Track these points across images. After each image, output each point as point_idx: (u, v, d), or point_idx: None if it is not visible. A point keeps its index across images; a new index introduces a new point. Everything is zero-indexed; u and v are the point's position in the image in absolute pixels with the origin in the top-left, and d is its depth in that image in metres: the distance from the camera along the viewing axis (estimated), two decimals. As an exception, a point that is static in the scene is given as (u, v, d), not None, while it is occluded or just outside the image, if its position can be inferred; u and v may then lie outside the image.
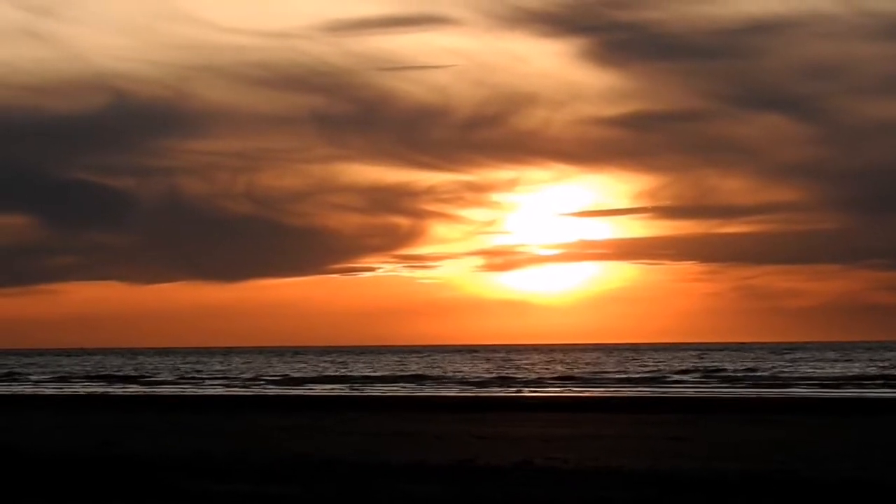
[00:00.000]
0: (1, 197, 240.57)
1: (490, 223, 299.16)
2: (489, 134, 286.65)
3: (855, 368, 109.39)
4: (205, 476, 24.09)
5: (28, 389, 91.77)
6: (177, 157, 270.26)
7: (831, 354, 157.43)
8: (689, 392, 77.68)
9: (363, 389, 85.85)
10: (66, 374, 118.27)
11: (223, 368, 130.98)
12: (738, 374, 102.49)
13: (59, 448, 31.29)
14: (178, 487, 22.17)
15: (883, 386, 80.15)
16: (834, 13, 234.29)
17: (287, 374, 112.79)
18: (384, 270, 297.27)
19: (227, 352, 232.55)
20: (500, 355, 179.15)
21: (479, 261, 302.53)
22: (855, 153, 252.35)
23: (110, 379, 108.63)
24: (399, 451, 30.15)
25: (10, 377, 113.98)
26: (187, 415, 53.31)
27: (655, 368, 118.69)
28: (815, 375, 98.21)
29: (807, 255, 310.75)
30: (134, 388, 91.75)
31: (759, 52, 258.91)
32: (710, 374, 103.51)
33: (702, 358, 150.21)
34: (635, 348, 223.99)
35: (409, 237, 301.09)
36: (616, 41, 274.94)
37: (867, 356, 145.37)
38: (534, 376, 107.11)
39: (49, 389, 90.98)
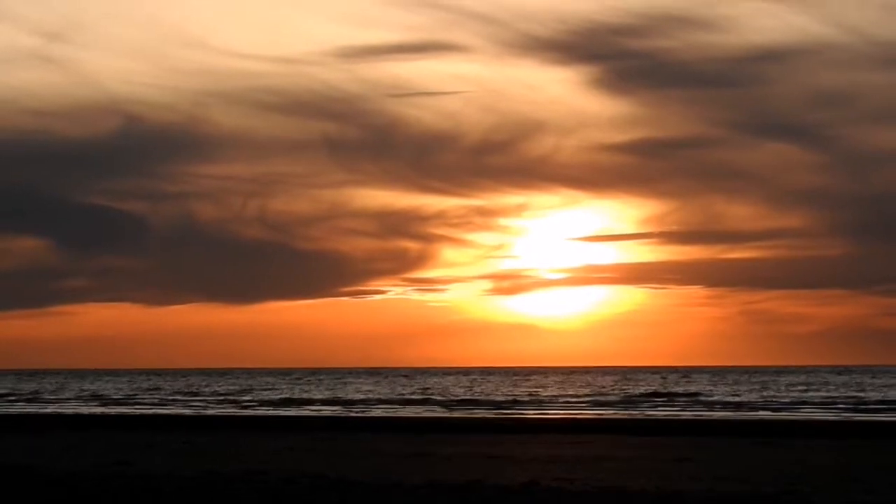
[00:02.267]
0: (16, 220, 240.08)
1: (498, 247, 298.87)
2: (498, 160, 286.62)
3: (862, 393, 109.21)
4: (216, 496, 24.15)
5: (46, 409, 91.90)
6: (190, 182, 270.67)
7: (838, 378, 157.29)
8: (695, 415, 77.60)
9: (374, 411, 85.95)
10: (85, 395, 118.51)
11: (234, 388, 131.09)
12: (745, 399, 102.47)
13: (74, 467, 31.35)
14: None
15: (888, 410, 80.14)
16: (840, 42, 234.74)
17: (299, 395, 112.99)
18: (394, 293, 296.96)
19: (240, 372, 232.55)
20: (504, 377, 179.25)
21: (488, 284, 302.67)
22: (861, 180, 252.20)
23: (120, 399, 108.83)
24: (411, 471, 30.16)
25: (32, 396, 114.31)
26: (193, 431, 53.45)
27: (663, 390, 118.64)
28: (822, 399, 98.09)
29: (813, 280, 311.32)
30: (144, 409, 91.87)
31: (765, 80, 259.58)
32: (714, 398, 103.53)
33: (713, 380, 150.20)
34: (642, 371, 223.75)
35: (418, 261, 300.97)
36: (624, 69, 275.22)
37: (874, 380, 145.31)
38: (541, 398, 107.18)
39: (67, 409, 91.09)
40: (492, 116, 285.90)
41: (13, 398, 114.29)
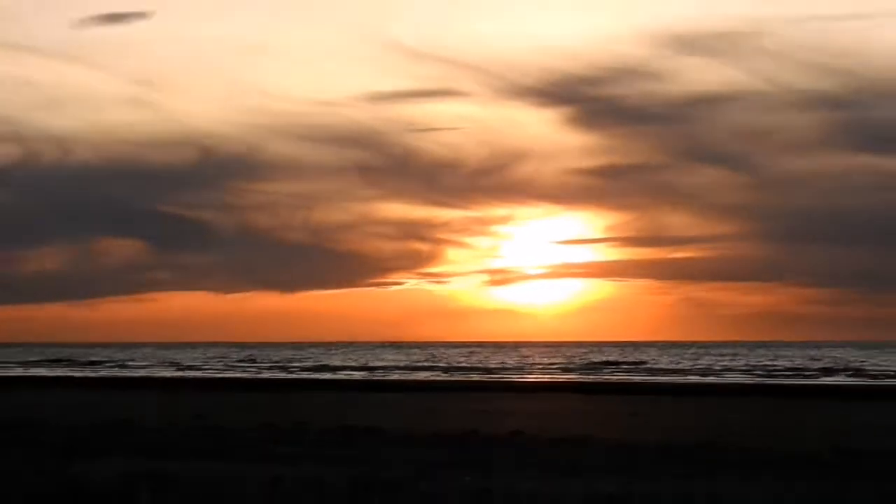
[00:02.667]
0: (117, 226, 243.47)
1: (491, 249, 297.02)
2: (491, 180, 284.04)
3: (775, 362, 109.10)
4: (271, 443, 24.23)
5: (139, 373, 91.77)
6: (249, 197, 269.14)
7: (757, 351, 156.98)
8: (645, 379, 77.59)
9: (392, 375, 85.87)
10: (166, 362, 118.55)
11: (284, 357, 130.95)
12: (684, 366, 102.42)
13: (163, 420, 31.41)
14: (251, 450, 22.30)
15: (795, 376, 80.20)
16: (759, 89, 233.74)
17: (334, 363, 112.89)
18: (409, 285, 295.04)
19: (288, 345, 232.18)
20: (495, 350, 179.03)
21: (483, 278, 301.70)
22: (776, 197, 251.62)
23: (195, 366, 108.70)
24: (422, 422, 30.15)
25: (121, 365, 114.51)
26: (252, 391, 53.46)
27: (621, 359, 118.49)
28: (744, 367, 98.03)
29: (739, 274, 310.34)
30: (213, 374, 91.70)
31: (700, 119, 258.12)
32: (660, 366, 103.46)
33: (659, 352, 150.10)
34: (605, 345, 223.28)
35: (428, 259, 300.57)
36: (591, 110, 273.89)
37: (784, 352, 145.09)
38: (524, 366, 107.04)
39: (155, 374, 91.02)
40: (486, 147, 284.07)
41: (113, 364, 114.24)
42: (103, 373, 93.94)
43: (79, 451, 20.95)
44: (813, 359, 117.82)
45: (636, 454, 21.73)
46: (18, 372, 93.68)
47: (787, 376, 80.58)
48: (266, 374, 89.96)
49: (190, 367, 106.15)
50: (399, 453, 21.50)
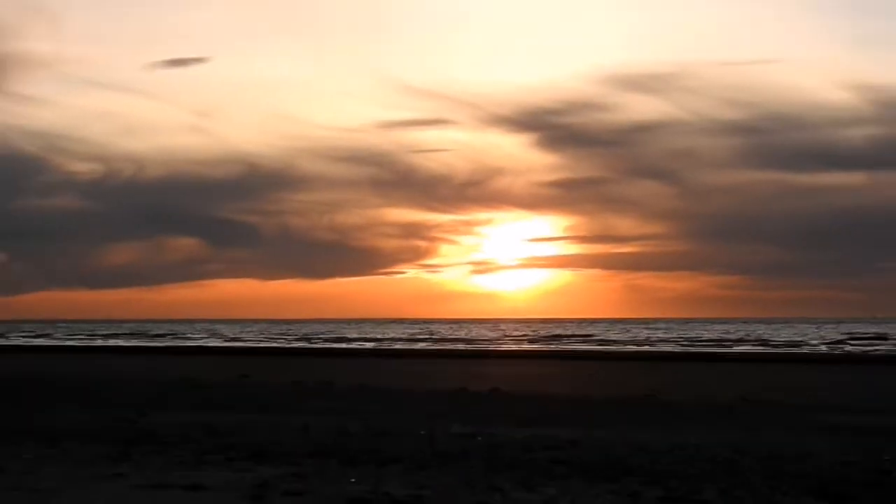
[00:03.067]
0: (181, 227, 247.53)
1: (475, 246, 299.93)
2: (475, 191, 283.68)
3: (698, 334, 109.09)
4: (302, 398, 24.25)
5: (195, 343, 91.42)
6: (285, 204, 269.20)
7: (685, 325, 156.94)
8: (596, 348, 77.48)
9: (396, 345, 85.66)
10: (217, 334, 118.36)
11: (313, 331, 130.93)
12: (627, 338, 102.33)
13: (215, 379, 31.44)
14: (285, 403, 22.25)
15: (714, 345, 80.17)
16: (685, 119, 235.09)
17: (351, 335, 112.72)
18: (410, 273, 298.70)
19: (316, 321, 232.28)
20: (478, 325, 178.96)
21: (469, 268, 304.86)
22: (697, 205, 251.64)
23: (240, 338, 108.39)
24: (421, 382, 30.21)
25: (174, 335, 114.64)
26: (286, 357, 53.52)
27: (578, 332, 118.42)
28: (675, 338, 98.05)
29: (669, 265, 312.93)
30: (256, 344, 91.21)
31: (639, 142, 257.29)
32: (610, 338, 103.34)
33: (608, 327, 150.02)
34: (565, 321, 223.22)
35: (425, 254, 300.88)
36: (553, 136, 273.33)
37: (707, 326, 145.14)
38: (500, 337, 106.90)
39: (209, 343, 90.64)
40: (471, 164, 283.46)
41: (175, 336, 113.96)
42: (168, 343, 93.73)
43: (150, 404, 20.97)
44: (727, 332, 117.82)
45: (591, 407, 21.79)
46: (101, 343, 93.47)
47: (708, 345, 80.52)
48: (295, 344, 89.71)
49: (236, 339, 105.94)
50: (404, 407, 21.53)
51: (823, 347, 74.88)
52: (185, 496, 9.98)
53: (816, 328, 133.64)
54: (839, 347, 74.43)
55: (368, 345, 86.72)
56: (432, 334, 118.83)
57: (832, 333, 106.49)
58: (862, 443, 14.66)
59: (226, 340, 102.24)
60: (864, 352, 66.15)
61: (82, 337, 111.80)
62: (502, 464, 12.16)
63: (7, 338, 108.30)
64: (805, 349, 71.70)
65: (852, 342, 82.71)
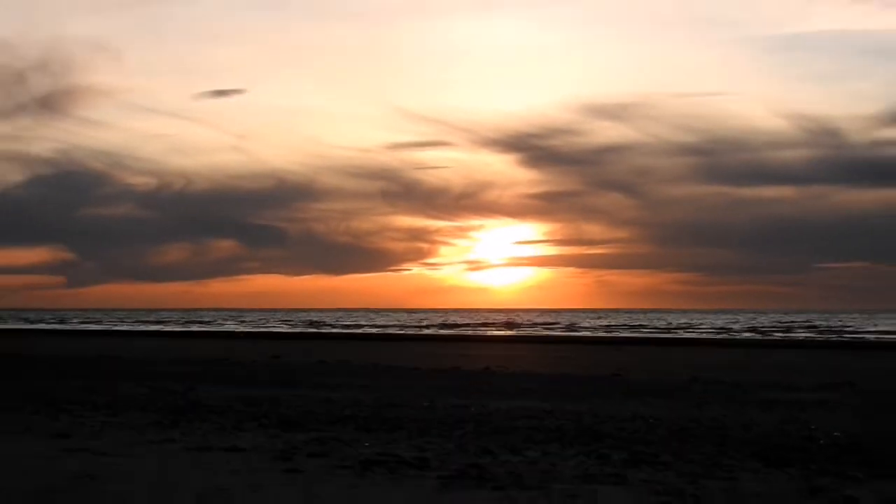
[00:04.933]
0: (221, 231, 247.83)
1: (469, 247, 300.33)
2: (469, 202, 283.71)
3: (656, 323, 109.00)
4: (325, 373, 24.27)
5: (232, 329, 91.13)
6: (309, 212, 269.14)
7: (646, 315, 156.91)
8: (570, 334, 77.39)
9: (404, 331, 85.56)
10: (251, 322, 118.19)
11: (333, 317, 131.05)
12: (596, 325, 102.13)
13: (250, 357, 31.44)
14: (310, 379, 22.20)
15: (668, 331, 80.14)
16: (647, 141, 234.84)
17: (363, 322, 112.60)
18: (414, 270, 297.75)
19: (335, 311, 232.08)
20: (471, 314, 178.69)
21: (464, 266, 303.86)
22: (657, 214, 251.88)
23: (268, 326, 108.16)
24: (423, 361, 30.21)
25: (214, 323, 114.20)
26: (311, 341, 53.52)
27: (553, 321, 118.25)
28: (637, 325, 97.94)
29: (632, 264, 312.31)
30: (281, 329, 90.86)
31: (607, 161, 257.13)
32: (582, 325, 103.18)
33: (579, 316, 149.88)
34: (546, 311, 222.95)
35: (427, 254, 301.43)
36: (535, 155, 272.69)
37: (664, 316, 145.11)
38: (490, 325, 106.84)
39: (245, 329, 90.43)
40: (465, 179, 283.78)
41: (216, 322, 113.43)
42: (210, 329, 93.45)
43: (195, 380, 20.99)
44: (681, 320, 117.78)
45: (566, 383, 21.81)
46: (154, 328, 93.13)
47: (664, 332, 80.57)
48: (316, 329, 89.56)
49: (268, 326, 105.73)
50: (410, 383, 21.56)
51: (761, 333, 74.86)
52: (224, 457, 9.99)
53: (755, 317, 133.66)
54: (775, 333, 74.43)
55: (379, 330, 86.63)
56: (432, 322, 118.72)
57: (769, 321, 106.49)
58: (793, 415, 14.68)
59: (259, 327, 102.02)
60: (794, 337, 66.13)
61: (138, 323, 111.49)
62: (490, 430, 12.18)
63: (74, 323, 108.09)
64: (747, 335, 71.66)
65: (785, 329, 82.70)
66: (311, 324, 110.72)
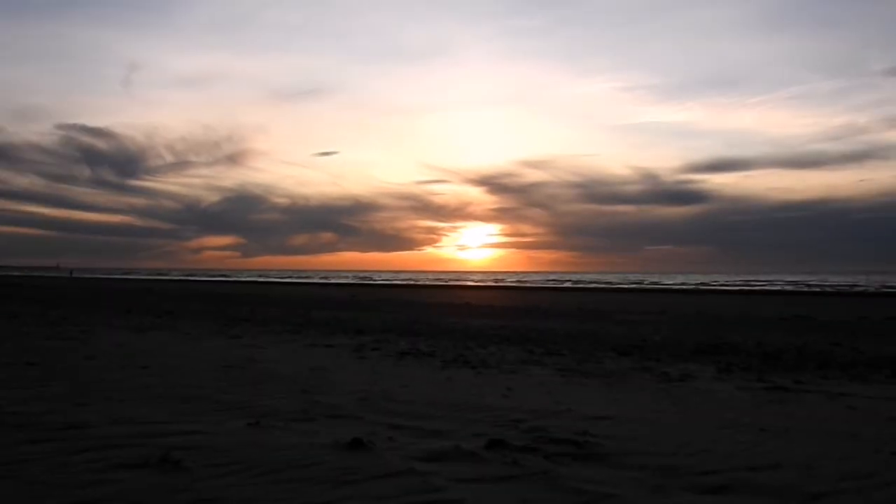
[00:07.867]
0: (325, 228, 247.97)
1: (458, 237, 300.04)
2: (459, 213, 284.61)
3: (560, 280, 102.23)
4: (379, 306, 22.86)
5: (329, 282, 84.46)
6: (371, 219, 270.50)
7: (554, 276, 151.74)
8: (515, 285, 73.64)
9: (423, 282, 79.75)
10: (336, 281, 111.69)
11: (383, 277, 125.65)
12: (534, 280, 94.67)
13: (338, 296, 30.25)
14: (372, 309, 21.61)
15: (569, 284, 75.73)
16: (555, 181, 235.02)
17: (407, 280, 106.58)
18: (428, 251, 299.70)
19: (384, 272, 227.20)
20: (459, 276, 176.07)
21: (454, 248, 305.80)
22: (561, 220, 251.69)
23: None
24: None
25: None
26: (373, 288, 51.52)
27: (505, 280, 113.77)
28: (549, 281, 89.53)
29: (546, 247, 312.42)
30: (359, 281, 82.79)
31: (537, 191, 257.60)
32: (521, 281, 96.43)
33: (516, 277, 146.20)
34: (503, 273, 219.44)
35: (436, 241, 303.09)
36: (496, 187, 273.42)
37: (564, 277, 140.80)
38: (472, 280, 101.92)
39: (337, 282, 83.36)
40: (457, 200, 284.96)
41: (322, 277, 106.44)
42: (316, 280, 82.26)
43: (310, 307, 20.48)
44: (574, 278, 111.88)
45: (513, 312, 21.25)
46: (289, 279, 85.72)
47: (564, 283, 75.41)
48: (375, 282, 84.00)
49: (349, 280, 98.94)
50: (425, 311, 20.93)
51: (620, 285, 72.69)
52: (324, 350, 9.94)
53: (615, 277, 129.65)
54: (622, 285, 72.51)
55: (407, 281, 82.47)
56: (436, 280, 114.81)
57: (617, 279, 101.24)
58: (633, 328, 14.56)
59: (344, 280, 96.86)
60: (632, 287, 64.54)
61: (279, 278, 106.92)
62: (470, 336, 12.12)
63: (244, 278, 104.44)
64: (606, 285, 69.86)
65: (629, 284, 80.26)
66: (371, 279, 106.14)
